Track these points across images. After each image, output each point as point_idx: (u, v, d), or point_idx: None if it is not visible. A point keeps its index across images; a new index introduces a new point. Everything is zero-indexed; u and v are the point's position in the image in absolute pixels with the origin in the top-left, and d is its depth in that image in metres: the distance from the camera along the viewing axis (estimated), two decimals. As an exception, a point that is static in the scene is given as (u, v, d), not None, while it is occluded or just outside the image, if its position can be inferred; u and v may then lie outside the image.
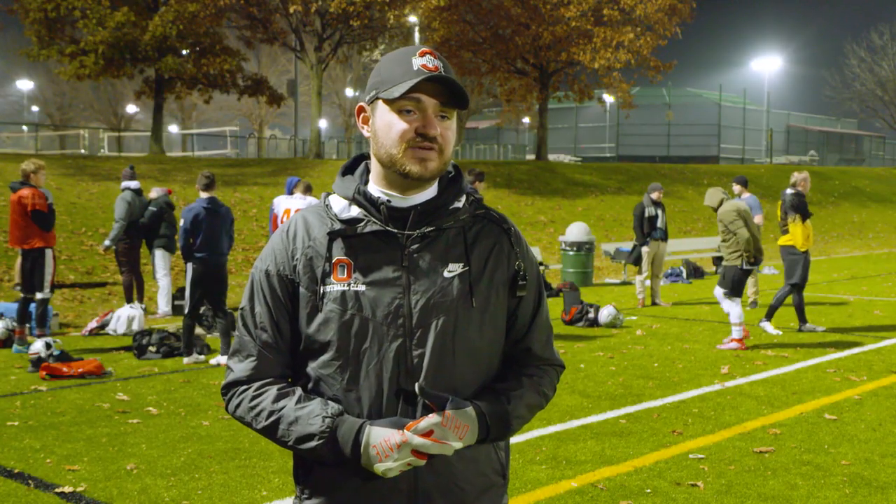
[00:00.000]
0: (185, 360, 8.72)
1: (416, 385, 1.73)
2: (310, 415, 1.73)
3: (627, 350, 9.43)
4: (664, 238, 13.41)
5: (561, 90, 35.99)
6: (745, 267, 9.41)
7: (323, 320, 1.78)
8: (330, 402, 1.76)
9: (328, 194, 1.90)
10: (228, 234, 9.02)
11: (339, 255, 1.79)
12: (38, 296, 9.29)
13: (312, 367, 1.81)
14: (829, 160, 61.25)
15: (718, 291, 9.68)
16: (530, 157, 47.45)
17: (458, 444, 1.71)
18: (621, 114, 43.21)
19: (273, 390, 1.79)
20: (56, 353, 8.17)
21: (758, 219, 12.18)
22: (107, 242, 11.96)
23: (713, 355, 9.08)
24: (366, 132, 1.86)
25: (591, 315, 11.14)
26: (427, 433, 1.69)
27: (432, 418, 1.70)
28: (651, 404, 6.95)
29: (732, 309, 9.44)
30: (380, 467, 1.68)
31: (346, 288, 1.77)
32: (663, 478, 5.10)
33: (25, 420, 6.41)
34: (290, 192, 11.27)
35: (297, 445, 1.74)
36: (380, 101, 1.79)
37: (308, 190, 10.64)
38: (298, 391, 1.80)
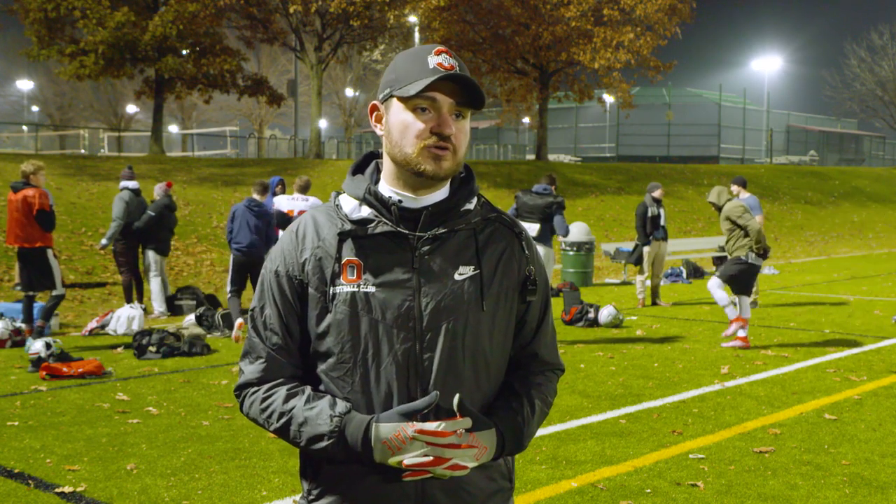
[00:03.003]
0: (232, 334, 9.95)
1: (456, 397, 1.70)
2: (319, 415, 1.72)
3: (627, 350, 9.44)
4: (665, 237, 13.41)
5: (561, 90, 35.95)
6: (751, 261, 9.38)
7: (332, 321, 1.76)
8: (339, 400, 1.75)
9: (338, 193, 1.88)
10: (264, 232, 10.11)
11: (348, 255, 1.77)
12: (54, 293, 9.39)
13: (323, 369, 1.80)
14: (829, 160, 61.22)
15: (714, 282, 9.68)
16: (530, 157, 47.42)
17: (473, 464, 1.71)
18: (621, 114, 43.16)
19: (282, 391, 1.78)
20: (56, 353, 8.17)
21: (758, 218, 12.17)
22: (103, 241, 11.96)
23: (713, 355, 9.08)
24: (379, 130, 1.84)
25: (591, 315, 11.13)
26: (443, 433, 1.67)
27: (459, 421, 1.69)
28: (651, 404, 6.95)
29: (743, 304, 9.47)
30: (394, 459, 1.67)
31: (355, 289, 1.76)
32: (663, 478, 5.10)
33: (25, 420, 6.41)
34: (273, 192, 11.29)
35: (310, 446, 1.74)
36: (394, 100, 1.77)
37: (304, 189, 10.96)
38: (308, 390, 1.79)
